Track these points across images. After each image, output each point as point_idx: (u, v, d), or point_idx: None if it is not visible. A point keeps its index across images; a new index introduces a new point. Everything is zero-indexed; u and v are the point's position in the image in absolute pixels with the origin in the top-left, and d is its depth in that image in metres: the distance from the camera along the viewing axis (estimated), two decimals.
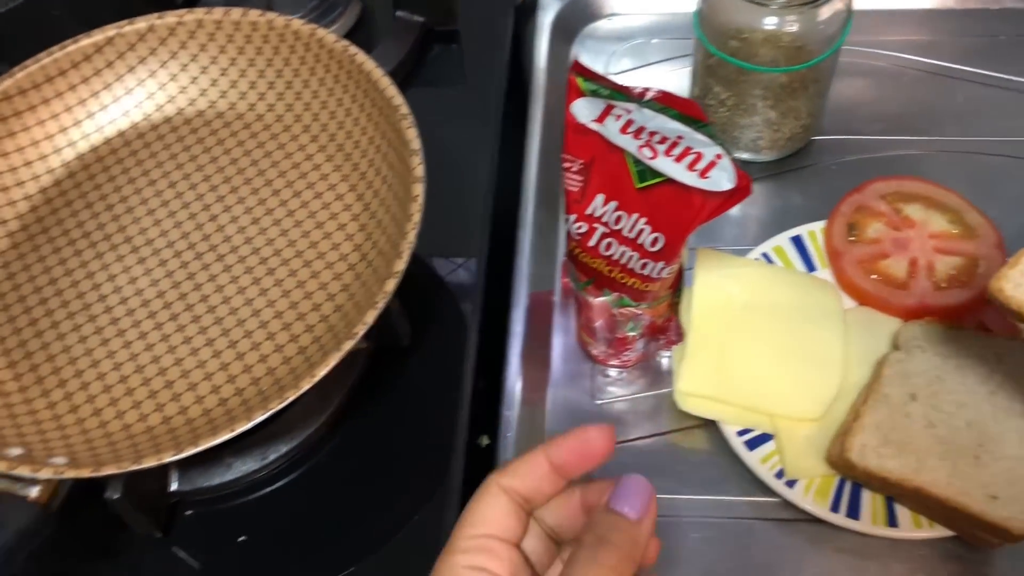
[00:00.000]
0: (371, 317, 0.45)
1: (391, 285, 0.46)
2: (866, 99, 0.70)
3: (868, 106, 0.69)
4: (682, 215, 0.46)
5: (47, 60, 0.58)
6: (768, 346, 0.56)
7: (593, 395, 0.58)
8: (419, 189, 0.49)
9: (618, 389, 0.59)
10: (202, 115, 0.60)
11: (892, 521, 0.51)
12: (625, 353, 0.57)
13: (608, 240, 0.49)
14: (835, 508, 0.52)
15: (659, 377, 0.59)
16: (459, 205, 0.62)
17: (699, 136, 0.46)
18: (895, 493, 0.50)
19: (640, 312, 0.52)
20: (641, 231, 0.47)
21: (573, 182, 0.49)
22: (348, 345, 0.45)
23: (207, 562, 0.51)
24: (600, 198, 0.48)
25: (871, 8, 0.71)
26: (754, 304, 0.58)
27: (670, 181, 0.46)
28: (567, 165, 0.49)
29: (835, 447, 0.52)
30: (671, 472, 0.55)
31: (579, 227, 0.49)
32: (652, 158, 0.46)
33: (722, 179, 0.45)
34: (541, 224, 0.66)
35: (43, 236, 0.56)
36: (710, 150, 0.45)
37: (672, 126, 0.46)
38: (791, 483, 0.52)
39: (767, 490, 0.53)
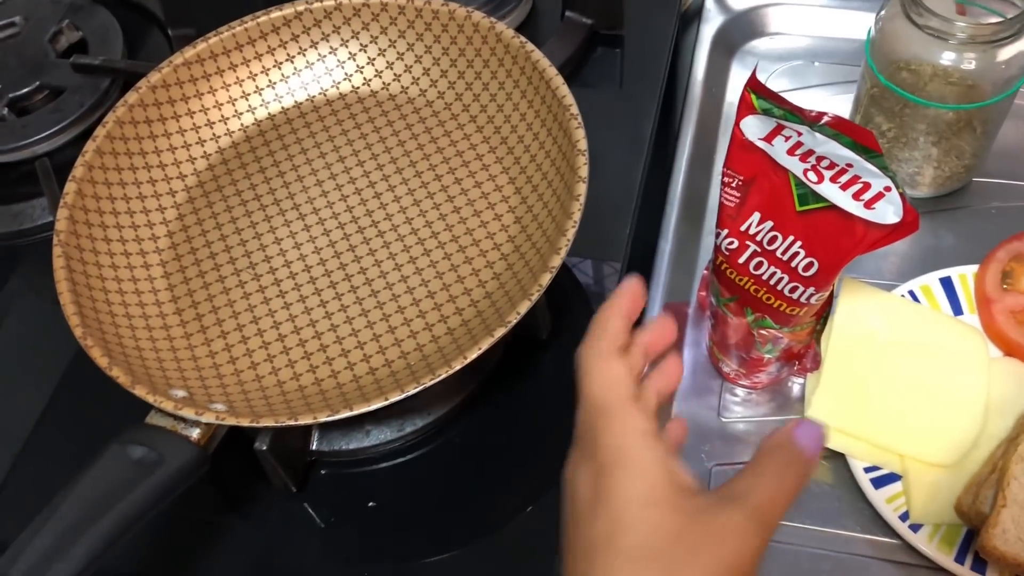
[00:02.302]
0: (524, 308, 0.47)
1: (546, 279, 0.47)
2: None
3: None
4: (841, 243, 0.45)
5: (239, 28, 0.61)
6: (906, 385, 0.56)
7: (720, 412, 0.59)
8: (582, 189, 0.50)
9: (746, 409, 0.59)
10: (375, 96, 0.62)
11: None
12: (757, 375, 0.57)
13: (759, 259, 0.48)
14: (960, 559, 0.51)
15: (788, 402, 0.58)
16: (605, 207, 0.62)
17: (869, 166, 0.45)
18: None
19: (781, 335, 0.52)
20: (796, 255, 0.47)
21: (730, 198, 0.49)
22: (500, 332, 0.46)
23: (333, 523, 0.54)
24: (756, 216, 0.48)
25: None
26: (896, 341, 0.57)
27: (833, 207, 0.45)
28: (727, 180, 0.49)
29: (966, 497, 0.51)
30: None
31: (731, 243, 0.49)
32: (817, 182, 0.46)
33: (888, 212, 0.44)
34: (683, 235, 0.66)
35: (217, 194, 0.60)
36: (879, 181, 0.45)
37: (843, 153, 0.46)
38: (915, 527, 0.52)
39: (889, 531, 0.53)
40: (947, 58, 0.57)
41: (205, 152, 0.61)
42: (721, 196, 0.49)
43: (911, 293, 0.60)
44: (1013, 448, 0.51)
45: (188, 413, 0.46)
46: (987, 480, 0.51)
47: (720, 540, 0.34)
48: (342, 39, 0.62)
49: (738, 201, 0.49)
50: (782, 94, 0.49)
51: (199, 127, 0.61)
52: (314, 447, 0.54)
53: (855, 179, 0.45)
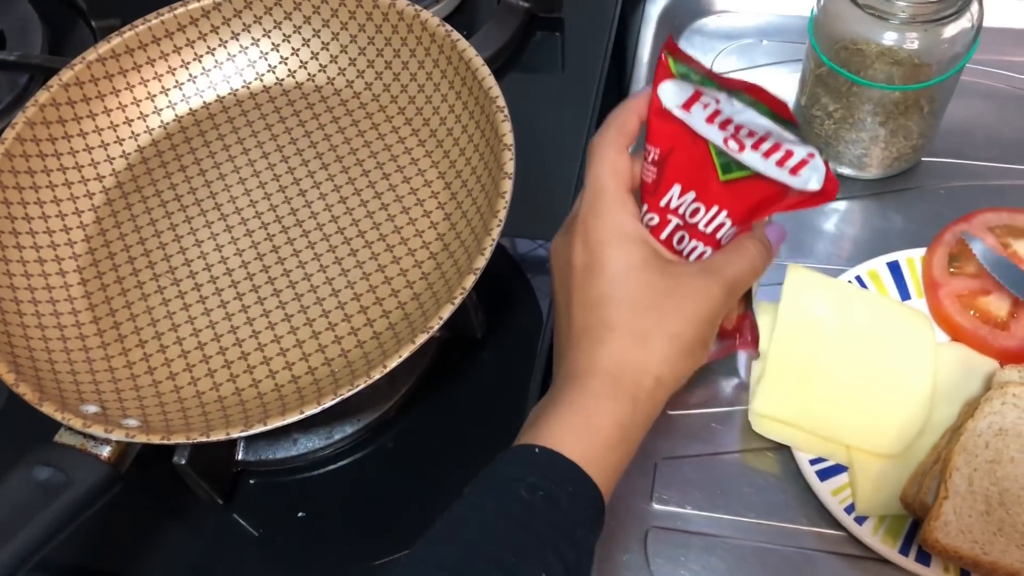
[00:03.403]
0: (447, 312, 0.45)
1: (470, 282, 0.46)
2: (983, 123, 0.66)
3: (984, 130, 0.66)
4: (768, 211, 0.45)
5: (155, 21, 0.58)
6: (852, 374, 0.54)
7: (666, 404, 0.57)
8: (508, 185, 0.48)
9: (691, 399, 0.57)
10: (300, 87, 0.60)
11: (965, 574, 0.49)
12: None
13: (681, 234, 0.46)
14: (904, 551, 0.50)
15: (734, 393, 0.57)
16: (550, 190, 0.61)
17: (789, 135, 0.44)
18: (981, 573, 0.48)
19: None
20: (720, 225, 0.45)
21: (648, 172, 0.47)
22: (422, 338, 0.44)
23: (265, 532, 0.52)
24: (677, 189, 0.46)
25: (1001, 26, 0.68)
26: (842, 329, 0.56)
27: (757, 176, 0.44)
28: (645, 154, 0.47)
29: (911, 487, 0.50)
30: (736, 493, 0.54)
31: (650, 218, 0.47)
32: (739, 151, 0.44)
33: (811, 178, 0.43)
34: None
35: (136, 195, 0.57)
36: (801, 149, 0.44)
37: (762, 122, 0.44)
38: (861, 519, 0.51)
39: (835, 523, 0.52)
40: (889, 38, 0.56)
41: (123, 151, 0.58)
42: (640, 172, 0.48)
43: (858, 279, 0.59)
44: (956, 438, 0.50)
45: (97, 431, 0.44)
46: (931, 470, 0.50)
47: (701, 299, 0.43)
48: (264, 29, 0.60)
49: (655, 176, 0.47)
50: (732, 73, 0.47)
51: (116, 125, 0.58)
52: (240, 457, 0.52)
53: (776, 146, 0.44)
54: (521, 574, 0.37)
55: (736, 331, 0.54)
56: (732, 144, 0.45)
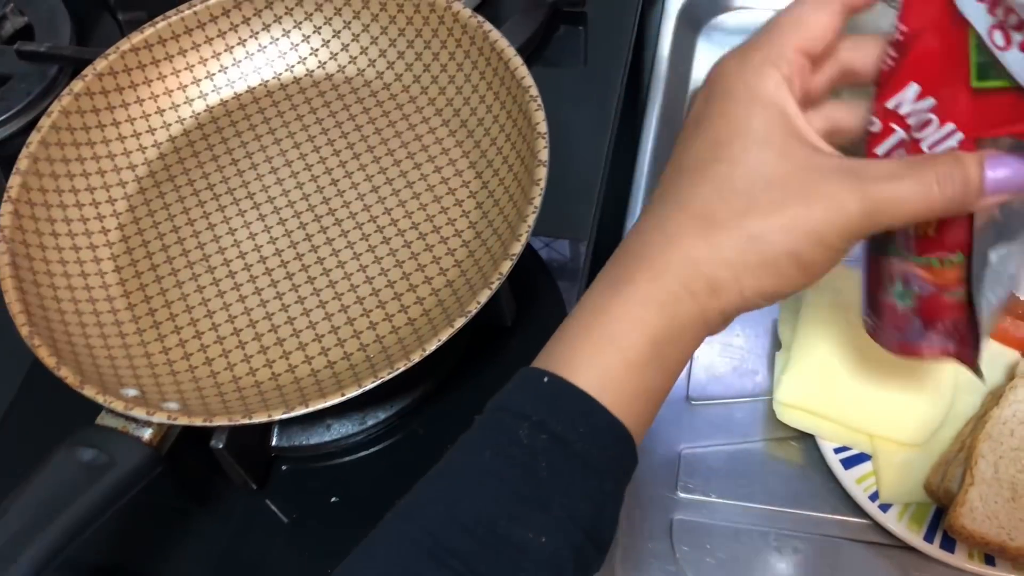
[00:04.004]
0: (484, 297, 0.46)
1: (506, 267, 0.46)
2: None
3: None
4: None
5: (187, 12, 0.59)
6: (876, 364, 0.55)
7: (688, 394, 0.58)
8: (542, 173, 0.49)
9: (715, 389, 0.58)
10: (331, 79, 0.61)
11: (989, 560, 0.49)
12: (895, 333, 0.43)
13: (900, 152, 0.36)
14: (929, 538, 0.51)
15: (758, 383, 0.58)
16: (571, 186, 0.61)
17: None
18: (1007, 558, 0.49)
19: (913, 269, 0.39)
20: (951, 151, 0.34)
21: (887, 60, 0.36)
22: (460, 322, 0.45)
23: (297, 518, 0.53)
24: (913, 89, 0.35)
25: None
26: None
27: (1018, 90, 0.32)
28: (892, 35, 0.36)
29: (935, 476, 0.51)
30: (761, 481, 0.54)
31: (871, 124, 0.36)
32: (1004, 48, 0.32)
33: None
34: None
35: (169, 184, 0.58)
36: None
37: None
38: (885, 507, 0.52)
39: (859, 511, 0.52)
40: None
41: (156, 141, 0.59)
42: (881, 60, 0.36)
43: None
44: (980, 426, 0.51)
45: (139, 413, 0.45)
46: (955, 459, 0.51)
47: (814, 202, 0.32)
48: (295, 20, 0.60)
49: (892, 66, 0.35)
50: None
51: (149, 115, 0.59)
52: (274, 443, 0.53)
53: None
54: (514, 539, 0.31)
55: (954, 328, 0.41)
56: (997, 36, 0.32)
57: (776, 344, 0.58)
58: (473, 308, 0.45)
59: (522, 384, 0.34)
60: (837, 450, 0.54)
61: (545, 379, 0.33)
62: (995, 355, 0.55)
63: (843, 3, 0.35)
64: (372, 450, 0.54)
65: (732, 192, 0.32)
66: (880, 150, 0.36)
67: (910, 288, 0.40)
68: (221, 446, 0.48)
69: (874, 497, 0.52)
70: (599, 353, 0.33)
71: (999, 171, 0.32)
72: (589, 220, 0.61)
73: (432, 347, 0.44)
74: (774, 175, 0.32)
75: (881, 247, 0.40)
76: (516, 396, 0.34)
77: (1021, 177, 0.33)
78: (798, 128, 0.34)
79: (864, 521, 0.52)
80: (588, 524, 0.32)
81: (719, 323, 0.34)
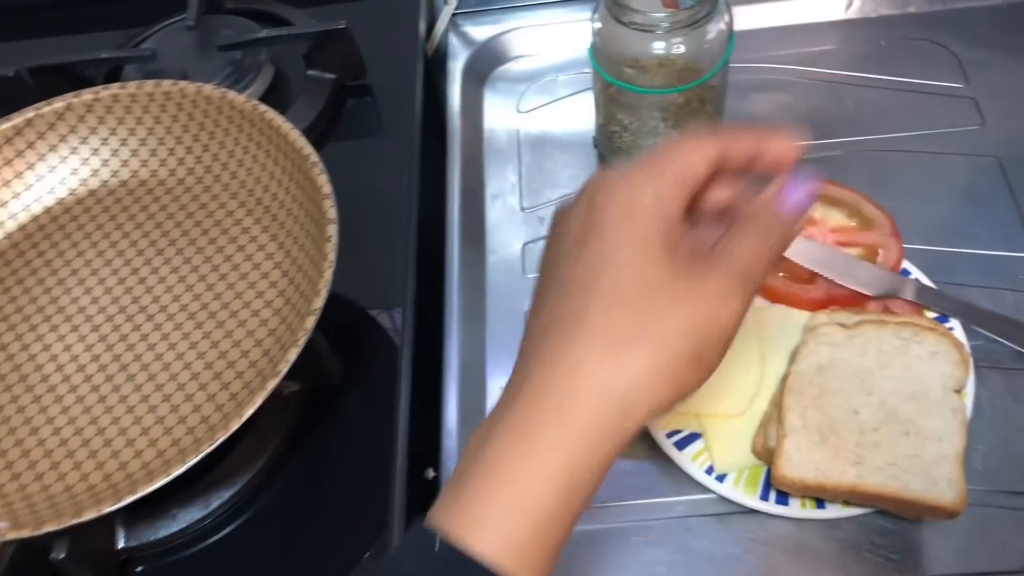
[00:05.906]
0: (293, 355, 0.47)
1: (310, 322, 0.48)
2: (762, 111, 0.73)
3: (765, 118, 0.73)
4: None
5: None
6: None
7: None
8: (332, 230, 0.51)
9: None
10: (125, 185, 0.62)
11: (820, 504, 0.53)
12: None
13: None
14: (764, 497, 0.53)
15: None
16: (387, 250, 0.63)
17: None
18: (828, 496, 0.52)
19: None
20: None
21: None
22: (273, 383, 0.46)
23: None
24: None
25: (756, 27, 0.76)
26: None
27: None
28: None
29: (759, 438, 0.54)
30: (607, 481, 0.56)
31: None
32: None
33: None
34: (468, 260, 0.68)
35: None
36: None
37: None
38: (721, 478, 0.54)
39: (700, 487, 0.55)
40: (659, 47, 0.62)
41: None
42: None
43: None
44: (784, 383, 0.55)
45: None
46: (771, 418, 0.54)
47: (700, 299, 0.34)
48: (81, 137, 0.62)
49: None
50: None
51: None
52: (122, 544, 0.52)
53: None
54: None
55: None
56: None
57: None
58: (283, 367, 0.47)
59: (415, 544, 0.32)
60: (669, 435, 0.56)
61: (437, 546, 0.31)
62: (790, 319, 0.60)
63: (717, 150, 0.37)
64: (224, 532, 0.53)
65: (627, 301, 0.34)
66: None
67: None
68: (63, 556, 0.47)
69: (710, 471, 0.55)
70: (506, 519, 0.31)
71: (791, 195, 0.37)
72: (407, 282, 0.62)
73: (249, 411, 0.46)
74: (659, 280, 0.34)
75: None
76: (407, 563, 0.32)
77: (803, 193, 0.37)
78: (675, 235, 0.35)
79: (708, 496, 0.55)
80: None
81: (630, 439, 0.34)
